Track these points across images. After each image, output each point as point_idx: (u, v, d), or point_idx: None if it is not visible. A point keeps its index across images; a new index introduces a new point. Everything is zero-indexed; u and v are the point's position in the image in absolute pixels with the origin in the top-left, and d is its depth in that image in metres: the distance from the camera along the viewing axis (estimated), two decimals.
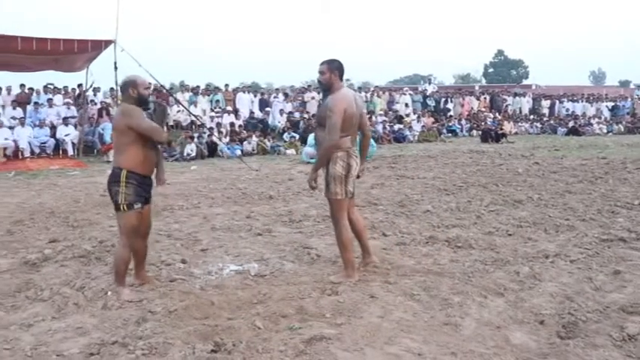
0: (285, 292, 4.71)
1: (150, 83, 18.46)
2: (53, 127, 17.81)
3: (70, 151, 17.48)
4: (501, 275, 5.15)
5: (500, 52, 76.94)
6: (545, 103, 32.66)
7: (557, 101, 32.95)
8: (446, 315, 4.23)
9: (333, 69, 4.96)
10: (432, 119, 26.04)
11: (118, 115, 4.64)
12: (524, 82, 62.95)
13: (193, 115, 19.34)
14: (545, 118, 30.30)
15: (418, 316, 4.21)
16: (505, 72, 73.72)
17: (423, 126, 24.27)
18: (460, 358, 3.54)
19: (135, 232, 4.67)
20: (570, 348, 3.67)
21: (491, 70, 76.64)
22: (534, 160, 14.75)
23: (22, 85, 19.65)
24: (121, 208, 4.57)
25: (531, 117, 30.40)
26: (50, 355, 3.62)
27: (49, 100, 18.97)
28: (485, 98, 31.50)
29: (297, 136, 19.65)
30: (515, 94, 33.55)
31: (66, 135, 17.57)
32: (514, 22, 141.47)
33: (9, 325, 4.15)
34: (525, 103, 32.31)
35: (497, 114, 29.07)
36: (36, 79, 19.92)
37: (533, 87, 44.15)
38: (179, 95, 21.64)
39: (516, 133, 26.66)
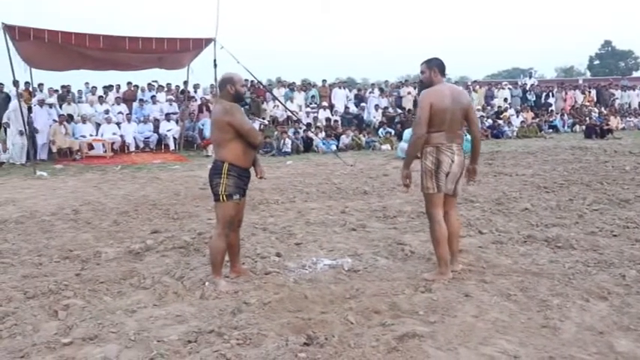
0: (378, 287, 4.70)
1: (247, 79, 18.83)
2: (156, 122, 18.62)
3: (172, 146, 18.24)
4: (605, 278, 4.89)
5: (607, 43, 73.09)
6: None
7: None
8: (544, 317, 4.07)
9: (433, 66, 5.00)
10: (531, 114, 25.09)
11: (219, 112, 4.72)
12: (635, 74, 59.48)
13: (289, 111, 19.67)
14: None
15: (515, 317, 4.08)
16: (612, 64, 70.00)
17: (523, 121, 23.47)
18: None
19: (230, 223, 4.82)
20: None
21: (597, 62, 73.00)
22: None
23: (129, 83, 20.65)
24: (221, 198, 4.74)
25: None
26: (152, 341, 3.76)
27: (153, 97, 19.84)
28: (589, 92, 29.95)
29: (393, 132, 19.55)
30: (624, 88, 31.59)
31: (168, 130, 18.34)
32: (623, 9, 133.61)
33: (115, 310, 4.37)
34: (635, 97, 30.23)
35: (602, 109, 27.59)
36: (141, 77, 20.91)
37: None
38: (276, 91, 22.02)
39: (624, 129, 25.16)
